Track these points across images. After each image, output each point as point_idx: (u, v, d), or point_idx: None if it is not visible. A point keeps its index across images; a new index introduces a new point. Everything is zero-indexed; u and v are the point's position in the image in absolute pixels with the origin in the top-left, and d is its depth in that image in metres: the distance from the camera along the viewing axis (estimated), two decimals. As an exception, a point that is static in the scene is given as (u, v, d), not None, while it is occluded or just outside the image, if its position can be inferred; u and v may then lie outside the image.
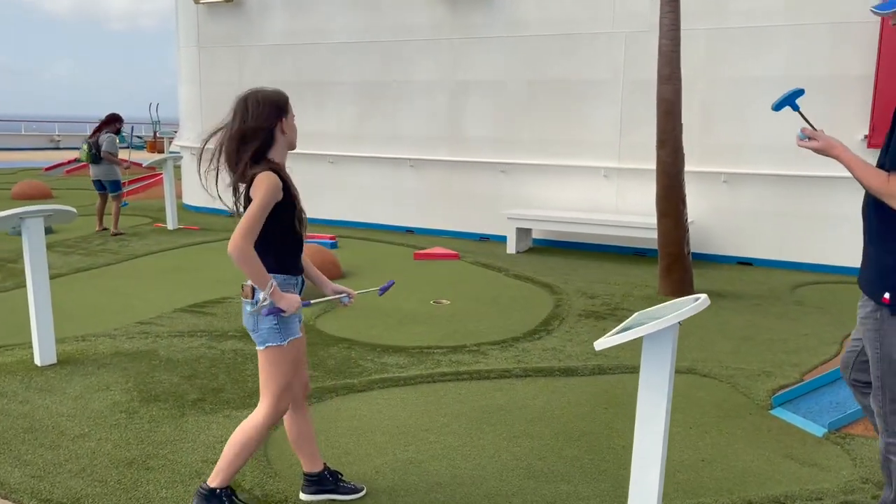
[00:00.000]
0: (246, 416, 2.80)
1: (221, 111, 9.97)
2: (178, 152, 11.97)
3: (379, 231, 9.87)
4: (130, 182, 14.37)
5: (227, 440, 2.77)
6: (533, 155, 8.76)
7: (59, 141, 32.63)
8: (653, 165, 8.01)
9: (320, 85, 10.16)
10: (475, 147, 9.14)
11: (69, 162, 18.75)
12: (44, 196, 13.09)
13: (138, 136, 35.04)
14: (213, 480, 2.71)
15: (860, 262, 2.46)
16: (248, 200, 2.57)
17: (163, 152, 30.58)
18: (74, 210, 4.49)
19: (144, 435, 3.47)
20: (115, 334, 5.04)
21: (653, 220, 7.74)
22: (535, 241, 8.79)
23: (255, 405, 2.97)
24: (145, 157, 24.26)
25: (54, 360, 4.39)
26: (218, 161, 2.67)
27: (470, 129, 9.16)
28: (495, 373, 4.36)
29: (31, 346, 4.69)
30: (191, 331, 5.15)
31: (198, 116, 11.13)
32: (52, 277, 6.86)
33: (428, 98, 9.37)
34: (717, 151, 7.77)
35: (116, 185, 9.30)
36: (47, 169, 18.43)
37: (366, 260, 7.83)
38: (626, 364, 4.53)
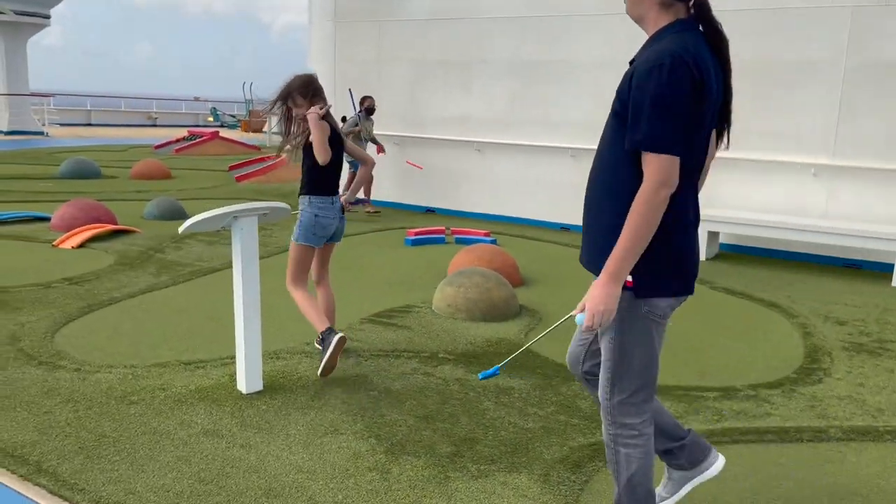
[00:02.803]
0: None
1: (357, 89, 9.16)
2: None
3: (530, 227, 8.99)
4: (243, 164, 13.95)
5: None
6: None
7: (156, 118, 33.05)
8: (876, 164, 6.91)
9: (467, 64, 9.31)
10: (649, 136, 8.12)
11: (177, 140, 18.59)
12: (164, 176, 12.77)
13: (231, 115, 35.25)
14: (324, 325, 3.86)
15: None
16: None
17: (259, 132, 30.53)
18: (288, 207, 3.77)
19: (414, 509, 2.70)
20: (309, 351, 4.34)
21: (873, 227, 6.65)
22: (723, 245, 7.73)
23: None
24: (245, 137, 24.07)
25: (260, 387, 3.71)
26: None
27: (644, 116, 8.14)
28: (806, 432, 3.43)
29: (223, 365, 4.05)
30: (393, 349, 4.40)
31: (330, 95, 10.45)
32: (204, 273, 6.31)
33: (595, 80, 8.39)
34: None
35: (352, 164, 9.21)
36: (157, 147, 18.30)
37: (536, 263, 6.98)
38: (969, 427, 3.52)
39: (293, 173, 13.42)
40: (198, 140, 18.21)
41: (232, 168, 13.96)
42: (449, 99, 9.47)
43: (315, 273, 4.17)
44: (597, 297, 2.00)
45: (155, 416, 3.37)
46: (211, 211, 3.45)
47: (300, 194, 4.03)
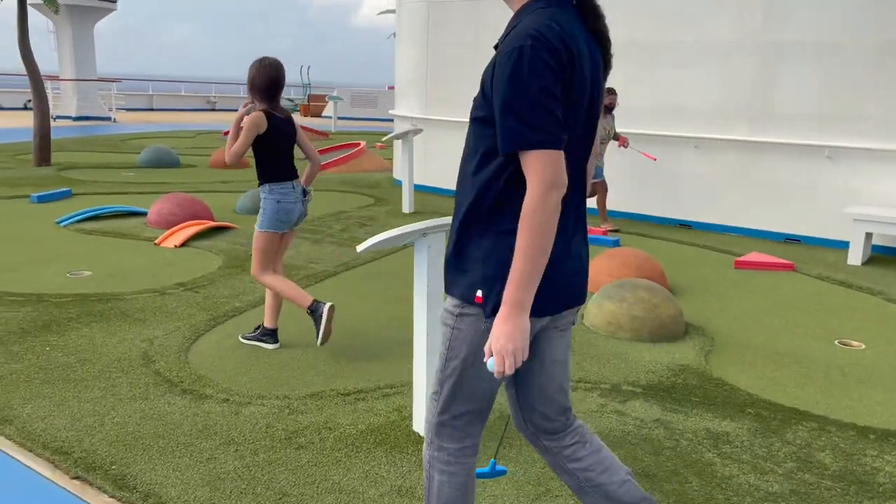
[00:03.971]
0: None
1: (451, 76, 8.50)
2: (403, 124, 10.89)
3: (645, 224, 8.33)
4: (321, 152, 13.52)
5: None
6: (877, 137, 6.91)
7: (215, 102, 32.99)
8: None
9: (576, 47, 8.63)
10: (788, 125, 7.37)
11: (247, 126, 18.29)
12: (243, 165, 12.43)
13: (289, 99, 34.99)
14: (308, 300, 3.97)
15: None
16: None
17: (318, 116, 30.21)
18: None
19: None
20: (471, 378, 3.83)
21: None
22: (875, 247, 6.97)
23: None
24: (309, 122, 23.76)
25: (440, 429, 3.20)
26: None
27: (782, 103, 7.39)
28: None
29: (384, 396, 3.57)
30: (576, 379, 3.85)
31: (422, 82, 9.92)
32: (321, 278, 5.85)
33: (724, 63, 7.66)
34: None
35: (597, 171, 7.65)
36: (226, 133, 18.04)
37: (671, 268, 6.34)
38: None
39: (376, 162, 12.98)
40: (267, 126, 17.86)
41: (308, 156, 13.57)
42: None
43: (278, 253, 4.17)
44: (502, 336, 1.67)
45: (333, 465, 2.90)
46: (397, 228, 2.94)
47: (260, 184, 4.02)
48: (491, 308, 1.75)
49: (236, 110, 4.16)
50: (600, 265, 5.53)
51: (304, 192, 4.11)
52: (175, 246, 6.52)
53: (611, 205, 8.67)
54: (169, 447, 3.00)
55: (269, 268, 4.08)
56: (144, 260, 6.06)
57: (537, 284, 1.68)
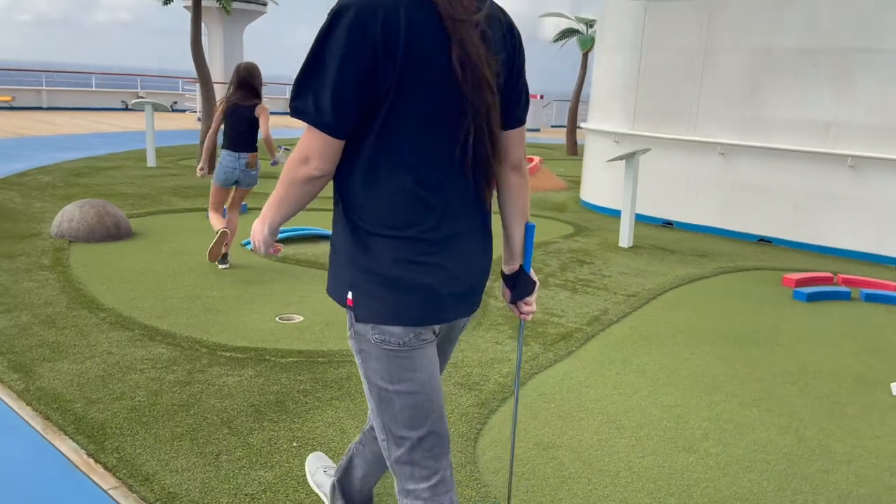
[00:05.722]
0: None
1: (668, 84, 6.66)
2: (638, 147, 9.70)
3: (887, 268, 6.71)
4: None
5: None
6: None
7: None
8: None
9: (845, 53, 7.12)
10: None
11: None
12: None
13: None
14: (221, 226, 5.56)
15: None
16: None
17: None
18: None
19: None
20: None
21: None
22: None
23: None
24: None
25: None
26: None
27: None
28: None
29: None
30: None
31: (631, 91, 8.63)
32: (582, 341, 4.72)
33: None
34: None
35: None
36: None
37: None
38: None
39: (551, 180, 11.79)
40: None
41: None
42: (808, 99, 7.33)
43: (229, 203, 5.75)
44: (254, 228, 1.85)
45: None
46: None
47: None
48: (359, 310, 1.70)
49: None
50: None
51: (248, 164, 5.50)
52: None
53: (878, 246, 7.09)
54: None
55: (219, 210, 5.60)
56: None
57: (277, 217, 1.76)
